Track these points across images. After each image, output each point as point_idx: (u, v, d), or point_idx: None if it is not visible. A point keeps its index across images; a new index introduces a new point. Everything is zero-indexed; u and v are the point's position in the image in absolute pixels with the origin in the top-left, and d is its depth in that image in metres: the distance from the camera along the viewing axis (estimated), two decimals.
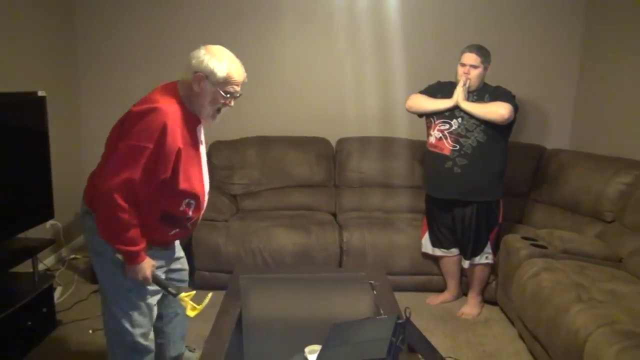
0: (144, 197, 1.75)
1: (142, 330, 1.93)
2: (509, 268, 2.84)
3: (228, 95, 1.82)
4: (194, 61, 1.77)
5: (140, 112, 1.74)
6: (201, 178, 1.93)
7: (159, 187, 1.77)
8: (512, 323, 2.87)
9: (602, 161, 3.20)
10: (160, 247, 1.96)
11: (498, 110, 2.77)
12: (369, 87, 3.92)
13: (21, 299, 2.50)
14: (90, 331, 2.74)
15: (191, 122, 1.83)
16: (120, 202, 1.70)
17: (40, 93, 2.78)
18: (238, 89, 1.84)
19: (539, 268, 2.56)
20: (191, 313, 1.87)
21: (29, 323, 2.59)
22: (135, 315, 1.89)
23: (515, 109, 2.83)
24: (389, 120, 3.90)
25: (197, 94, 1.79)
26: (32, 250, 2.65)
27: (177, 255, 2.18)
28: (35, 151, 2.81)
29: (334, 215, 3.68)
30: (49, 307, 2.76)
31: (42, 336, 2.67)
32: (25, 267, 2.73)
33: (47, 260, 3.47)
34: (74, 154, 3.96)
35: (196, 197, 1.88)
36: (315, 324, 1.94)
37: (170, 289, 1.89)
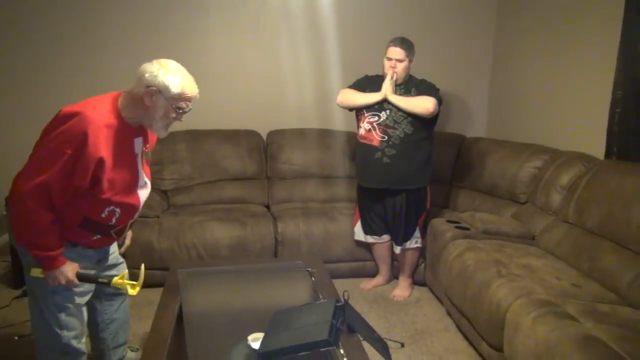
0: (61, 202, 1.71)
1: (71, 332, 1.88)
2: (436, 250, 3.02)
3: (180, 111, 1.80)
4: (147, 75, 1.73)
5: (64, 115, 1.70)
6: (133, 188, 1.89)
7: (79, 192, 1.72)
8: (441, 302, 3.06)
9: (515, 148, 3.46)
10: (85, 247, 1.90)
11: (424, 105, 2.91)
12: (298, 79, 3.97)
13: None
14: (16, 338, 2.60)
15: (126, 132, 1.79)
16: (34, 207, 1.66)
17: None
18: (190, 104, 1.83)
19: (462, 248, 2.75)
20: (133, 291, 1.87)
21: None
22: (63, 316, 1.84)
23: (440, 102, 2.99)
24: (319, 112, 3.97)
25: (148, 108, 1.76)
26: None
27: (115, 261, 2.13)
28: None
29: (267, 207, 3.71)
30: None
31: None
32: None
33: None
34: None
35: (122, 206, 1.85)
36: (257, 313, 1.98)
37: (100, 279, 1.87)
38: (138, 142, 1.89)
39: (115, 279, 1.88)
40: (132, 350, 2.37)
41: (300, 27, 3.90)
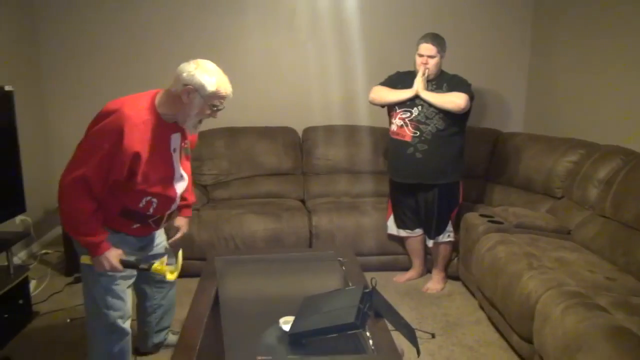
0: (101, 193, 1.84)
1: (116, 312, 2.01)
2: (469, 243, 3.03)
3: (214, 108, 1.91)
4: (184, 74, 1.83)
5: (105, 113, 1.84)
6: (169, 181, 2.01)
7: (118, 184, 1.85)
8: (473, 295, 3.07)
9: (552, 142, 3.42)
10: (126, 234, 2.03)
11: (455, 101, 2.92)
12: (332, 78, 4.05)
13: None
14: (68, 320, 2.79)
15: (162, 128, 1.90)
16: (75, 197, 1.80)
17: (8, 87, 2.79)
18: (224, 102, 1.93)
19: (495, 242, 2.75)
20: (172, 276, 1.97)
21: (6, 315, 2.63)
22: (109, 298, 1.98)
23: (471, 97, 2.99)
24: (352, 108, 4.04)
25: (185, 105, 1.86)
26: (6, 243, 2.68)
27: (159, 250, 2.27)
28: (4, 146, 2.82)
29: (303, 201, 3.80)
30: (25, 298, 2.79)
31: (19, 327, 2.71)
32: None
33: (19, 256, 3.47)
34: (42, 150, 3.96)
35: (159, 197, 1.97)
36: (289, 298, 2.06)
37: (141, 266, 1.99)
38: (175, 137, 1.99)
39: (155, 265, 2.00)
40: (173, 334, 2.51)
41: (332, 27, 3.99)
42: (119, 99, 1.90)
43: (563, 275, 2.32)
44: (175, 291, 2.45)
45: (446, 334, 2.69)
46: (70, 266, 3.36)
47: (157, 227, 2.14)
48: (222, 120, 3.94)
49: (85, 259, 1.93)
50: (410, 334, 1.95)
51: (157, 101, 1.90)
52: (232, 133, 3.92)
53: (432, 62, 3.00)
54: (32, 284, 3.14)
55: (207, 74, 1.84)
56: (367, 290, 1.87)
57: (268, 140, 3.92)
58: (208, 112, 1.91)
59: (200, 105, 1.87)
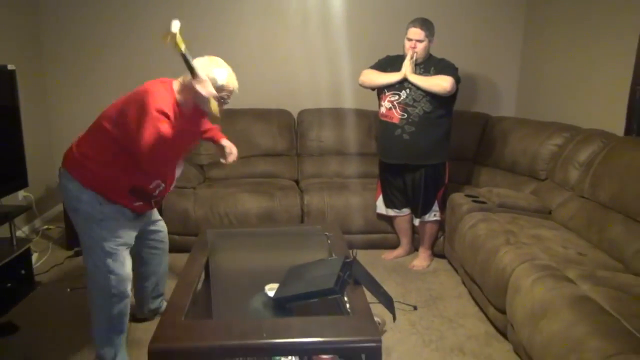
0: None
1: (117, 276, 2.13)
2: (453, 222, 3.15)
3: (222, 100, 2.07)
4: (198, 67, 1.96)
5: (149, 89, 1.95)
6: (174, 165, 2.18)
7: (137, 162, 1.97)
8: (457, 272, 3.20)
9: (538, 126, 3.52)
10: (124, 207, 2.15)
11: (441, 84, 3.02)
12: (327, 62, 4.15)
13: (0, 261, 2.67)
14: (68, 290, 2.93)
15: (180, 115, 2.03)
16: (152, 141, 1.85)
17: (10, 67, 2.90)
18: (231, 96, 2.11)
19: (477, 220, 2.87)
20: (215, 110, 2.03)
21: (9, 284, 2.77)
22: (110, 262, 2.10)
23: (457, 80, 3.08)
24: (346, 92, 4.14)
25: (197, 94, 1.98)
26: (9, 215, 2.81)
27: (153, 218, 2.41)
28: (7, 123, 2.94)
29: (297, 182, 3.92)
30: (27, 269, 2.93)
31: (22, 296, 2.85)
32: (1, 232, 2.90)
33: (22, 230, 3.61)
34: (43, 128, 4.07)
35: (166, 181, 2.16)
36: (275, 268, 2.18)
37: (190, 65, 1.97)
38: (187, 125, 2.12)
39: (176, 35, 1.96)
40: (167, 303, 2.64)
41: (330, 11, 4.08)
42: (145, 86, 1.99)
43: (537, 250, 2.43)
44: (168, 259, 2.58)
45: (428, 306, 2.83)
46: (70, 240, 3.50)
47: (155, 207, 2.31)
48: None
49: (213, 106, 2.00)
50: (388, 302, 2.08)
51: (175, 89, 2.05)
52: (229, 114, 4.00)
53: (421, 46, 3.09)
54: (34, 256, 3.28)
55: (218, 69, 2.02)
56: (348, 260, 1.99)
57: (264, 122, 4.03)
58: (220, 105, 2.07)
59: (209, 91, 1.99)
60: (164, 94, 1.98)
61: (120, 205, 2.13)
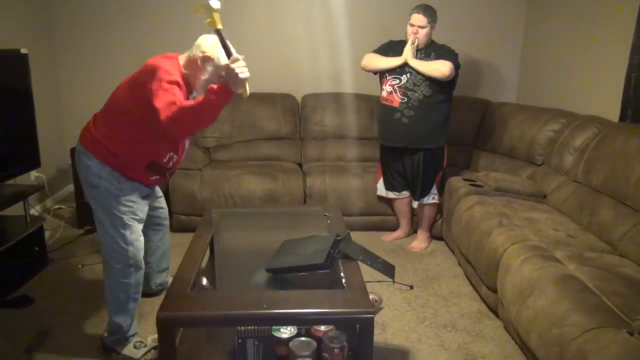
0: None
1: (135, 247, 2.26)
2: (451, 205, 3.25)
3: (221, 79, 2.12)
4: (205, 44, 2.09)
5: (155, 63, 2.04)
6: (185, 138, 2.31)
7: (158, 135, 2.08)
8: (453, 253, 3.30)
9: (537, 112, 3.58)
10: (140, 183, 2.28)
11: (440, 68, 3.09)
12: (331, 46, 4.21)
13: (14, 237, 2.80)
14: (80, 266, 3.07)
15: (187, 87, 2.14)
16: (177, 109, 1.92)
17: (23, 50, 3.00)
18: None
19: (473, 203, 2.96)
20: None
21: (23, 260, 2.90)
22: (128, 234, 2.23)
23: (457, 66, 3.15)
24: (350, 77, 4.21)
25: (198, 69, 2.10)
26: (23, 194, 2.93)
27: (157, 194, 2.53)
28: (21, 105, 3.05)
29: (300, 165, 4.02)
30: (40, 246, 3.06)
31: (36, 271, 2.99)
32: (16, 211, 3.03)
33: (36, 208, 3.74)
34: (54, 110, 4.18)
35: (178, 152, 2.26)
36: (275, 245, 2.30)
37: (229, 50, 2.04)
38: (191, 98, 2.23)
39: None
40: (174, 277, 2.78)
41: None
42: (154, 60, 2.08)
43: (529, 232, 2.53)
44: (169, 235, 2.71)
45: (424, 286, 2.94)
46: (81, 220, 3.63)
47: (168, 178, 2.41)
48: None
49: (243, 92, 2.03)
50: (388, 269, 2.16)
51: (181, 63, 2.15)
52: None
53: (423, 32, 3.15)
54: (47, 234, 3.41)
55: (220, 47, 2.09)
56: (339, 238, 2.10)
57: (268, 106, 4.12)
58: (216, 80, 2.13)
59: (211, 73, 2.11)
60: (171, 67, 2.07)
61: (137, 182, 2.25)
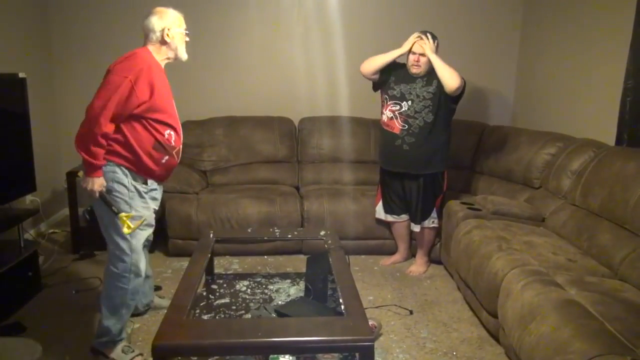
0: (121, 118, 2.17)
1: (137, 255, 2.31)
2: (449, 229, 3.23)
3: (186, 32, 2.36)
4: (155, 24, 2.29)
5: (122, 58, 2.24)
6: (174, 113, 2.40)
7: (145, 117, 2.21)
8: (452, 277, 3.27)
9: (533, 135, 3.60)
10: (155, 180, 2.38)
11: (456, 77, 3.03)
12: (328, 70, 4.25)
13: (8, 262, 2.76)
14: (74, 291, 3.02)
15: (161, 69, 2.33)
16: (102, 121, 2.10)
17: (21, 75, 3.00)
18: (185, 25, 2.39)
19: (471, 226, 2.94)
20: (127, 231, 2.22)
21: (17, 286, 2.85)
22: (134, 241, 2.28)
23: (463, 87, 3.15)
24: (346, 100, 4.24)
25: (171, 41, 2.31)
26: (17, 219, 2.90)
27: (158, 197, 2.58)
28: (18, 129, 3.04)
29: (297, 188, 4.01)
30: (34, 271, 3.01)
31: (29, 297, 2.93)
32: (9, 235, 2.99)
33: (27, 235, 3.69)
34: (51, 134, 4.17)
35: (173, 128, 2.35)
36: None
37: (113, 207, 2.24)
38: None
39: (122, 215, 2.23)
40: (159, 297, 2.85)
41: (331, 22, 4.19)
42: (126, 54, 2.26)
43: (528, 256, 2.51)
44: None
45: (423, 311, 2.90)
46: (76, 244, 3.59)
47: (178, 159, 2.45)
48: (222, 109, 4.22)
49: (80, 174, 2.24)
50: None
51: (152, 51, 2.31)
52: (232, 122, 4.12)
53: (423, 60, 3.17)
54: (41, 259, 3.36)
55: (167, 14, 2.31)
56: None
57: (265, 129, 4.12)
58: (186, 37, 2.36)
59: (178, 34, 2.34)
60: (134, 62, 2.20)
61: (149, 176, 2.33)
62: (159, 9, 2.33)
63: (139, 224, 2.26)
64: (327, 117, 4.22)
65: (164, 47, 2.32)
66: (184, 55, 2.39)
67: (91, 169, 2.17)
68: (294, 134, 4.20)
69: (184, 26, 2.37)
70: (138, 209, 2.30)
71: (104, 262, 2.40)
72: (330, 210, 3.57)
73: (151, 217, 2.41)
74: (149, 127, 2.25)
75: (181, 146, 2.45)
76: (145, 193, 2.35)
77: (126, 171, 2.26)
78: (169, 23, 2.30)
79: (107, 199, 2.23)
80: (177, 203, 3.48)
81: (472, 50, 4.29)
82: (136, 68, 2.17)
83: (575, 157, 3.09)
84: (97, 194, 2.21)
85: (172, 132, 2.36)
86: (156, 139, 2.29)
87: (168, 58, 2.36)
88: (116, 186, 2.25)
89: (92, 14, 4.15)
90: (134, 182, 2.28)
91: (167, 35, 2.29)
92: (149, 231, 2.41)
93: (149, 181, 2.36)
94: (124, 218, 2.22)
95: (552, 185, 3.21)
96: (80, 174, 2.36)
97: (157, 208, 2.48)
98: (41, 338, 2.51)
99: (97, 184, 2.19)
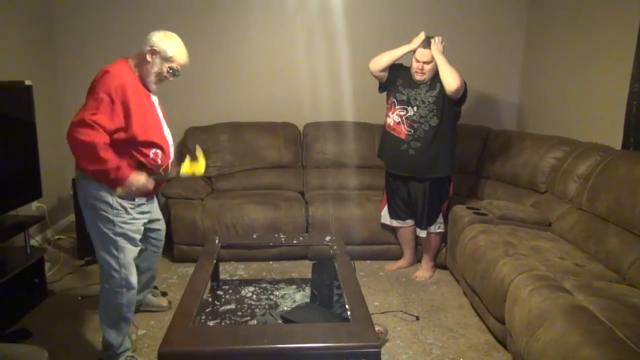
0: (108, 132, 2.10)
1: (126, 271, 2.29)
2: (455, 233, 3.21)
3: (171, 71, 2.26)
4: (153, 38, 2.23)
5: (96, 78, 2.20)
6: (161, 130, 2.33)
7: (128, 139, 2.14)
8: (458, 282, 3.25)
9: (538, 139, 3.58)
10: (142, 196, 2.32)
11: (457, 77, 3.03)
12: (332, 76, 4.26)
13: (14, 269, 2.76)
14: (80, 298, 3.02)
15: (142, 86, 2.26)
16: (85, 132, 2.05)
17: (27, 82, 3.02)
18: (180, 70, 2.29)
19: (477, 231, 2.93)
20: (201, 169, 2.32)
21: (23, 292, 2.86)
22: (122, 257, 2.26)
23: (465, 91, 3.15)
24: (351, 105, 4.24)
25: (148, 64, 2.23)
26: (24, 225, 2.91)
27: (156, 217, 2.56)
28: (23, 136, 3.05)
29: (302, 193, 4.01)
30: (40, 278, 3.02)
31: (35, 303, 2.94)
32: (16, 241, 3.00)
33: (33, 241, 3.70)
34: (56, 141, 4.18)
35: (160, 147, 2.27)
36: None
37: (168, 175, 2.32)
38: (154, 98, 2.33)
39: (182, 170, 2.26)
40: (153, 295, 2.85)
41: (335, 27, 4.20)
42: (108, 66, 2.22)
43: (535, 261, 2.49)
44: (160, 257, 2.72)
45: (430, 316, 2.88)
46: (82, 250, 3.59)
47: (166, 173, 2.41)
48: (227, 115, 4.23)
49: (118, 191, 2.18)
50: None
51: (131, 64, 2.25)
52: (236, 127, 4.13)
53: (428, 68, 3.16)
54: (47, 265, 3.37)
55: (171, 42, 2.24)
56: None
57: (270, 135, 4.13)
58: (166, 74, 2.26)
59: (159, 65, 2.23)
60: (116, 72, 2.16)
61: (138, 199, 2.28)
62: (171, 34, 2.26)
63: (201, 156, 2.30)
64: (332, 122, 4.22)
65: (141, 64, 2.24)
66: (151, 86, 2.29)
67: (116, 176, 2.12)
68: (298, 139, 4.20)
69: (175, 64, 2.25)
70: (123, 225, 2.23)
71: None
72: (335, 215, 3.57)
73: (140, 232, 2.33)
74: (130, 149, 2.18)
75: (171, 161, 2.38)
76: (132, 209, 2.27)
77: (109, 189, 2.19)
78: (164, 49, 2.21)
79: (159, 177, 2.23)
80: (182, 209, 3.49)
81: (477, 55, 4.29)
82: (111, 87, 2.12)
83: (581, 161, 3.08)
84: (152, 185, 2.21)
85: (158, 151, 2.27)
86: (138, 161, 2.22)
87: (141, 73, 2.26)
88: (98, 204, 2.19)
89: (97, 21, 4.18)
90: (119, 200, 2.21)
91: (151, 56, 2.22)
92: (136, 250, 2.33)
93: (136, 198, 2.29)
94: (187, 169, 2.26)
95: (559, 190, 3.19)
96: (119, 190, 2.17)
97: (147, 220, 2.40)
98: (47, 344, 2.51)
99: (139, 181, 2.16)
